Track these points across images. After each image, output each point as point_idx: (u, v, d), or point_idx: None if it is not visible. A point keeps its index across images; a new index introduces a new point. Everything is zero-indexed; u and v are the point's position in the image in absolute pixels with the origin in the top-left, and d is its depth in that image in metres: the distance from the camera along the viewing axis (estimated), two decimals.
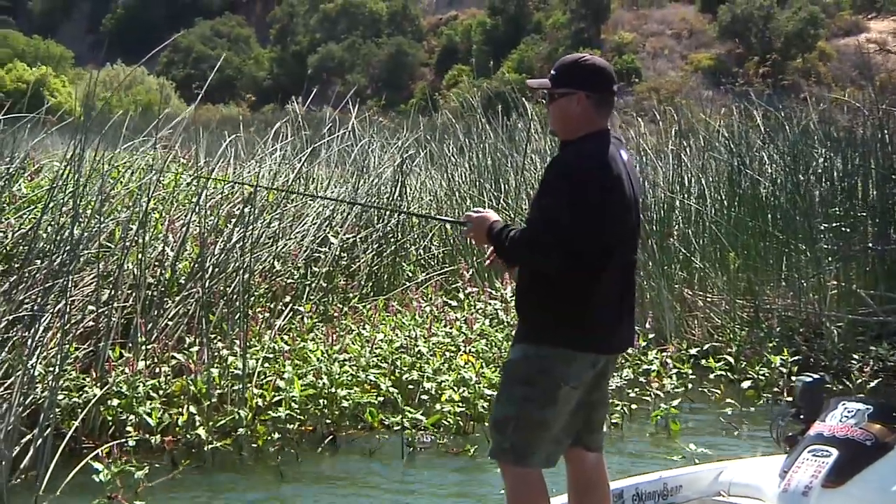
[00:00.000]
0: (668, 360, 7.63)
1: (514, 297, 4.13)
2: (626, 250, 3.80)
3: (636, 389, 7.40)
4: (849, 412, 4.41)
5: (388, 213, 9.45)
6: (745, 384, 7.49)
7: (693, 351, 8.14)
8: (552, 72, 3.88)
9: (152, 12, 72.80)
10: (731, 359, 7.97)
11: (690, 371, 7.75)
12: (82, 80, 56.90)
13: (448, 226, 9.74)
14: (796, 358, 7.85)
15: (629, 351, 7.67)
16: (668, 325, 8.76)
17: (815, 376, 4.91)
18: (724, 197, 10.29)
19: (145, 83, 53.50)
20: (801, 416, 4.67)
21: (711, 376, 7.78)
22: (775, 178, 10.13)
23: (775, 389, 7.61)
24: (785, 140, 10.38)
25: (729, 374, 7.79)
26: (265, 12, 73.90)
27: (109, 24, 73.77)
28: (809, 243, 9.26)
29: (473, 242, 4.98)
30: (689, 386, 7.62)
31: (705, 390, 7.81)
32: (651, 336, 8.01)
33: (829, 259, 9.15)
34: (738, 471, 4.82)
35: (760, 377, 7.68)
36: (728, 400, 7.24)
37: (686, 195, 10.31)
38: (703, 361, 8.02)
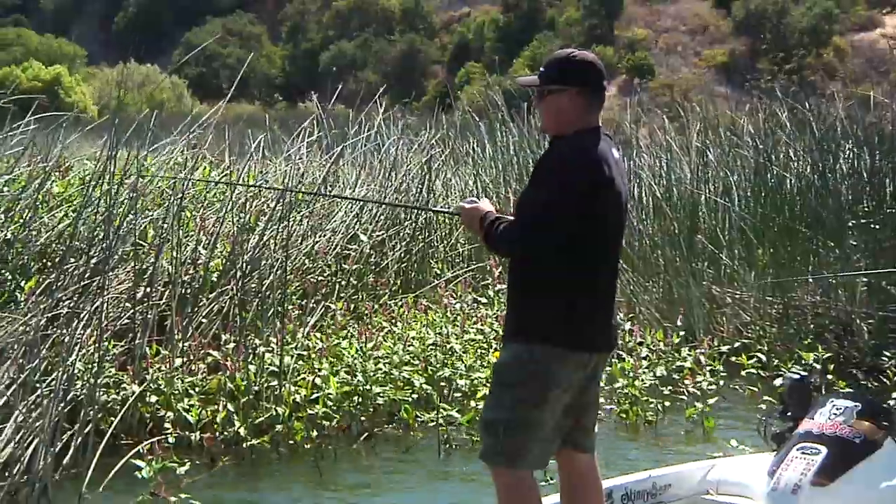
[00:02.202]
0: (702, 358, 7.62)
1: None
2: (615, 250, 3.79)
3: (669, 387, 7.40)
4: (837, 410, 4.42)
5: (411, 210, 9.46)
6: (778, 381, 7.45)
7: (724, 348, 8.13)
8: (541, 68, 3.84)
9: (164, 11, 72.94)
10: (762, 356, 7.94)
11: (722, 368, 7.74)
12: (95, 79, 57.18)
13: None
14: (828, 356, 7.83)
15: (662, 348, 7.70)
16: (697, 321, 8.74)
17: (803, 373, 4.92)
18: (749, 193, 10.27)
19: (157, 81, 53.63)
20: (789, 414, 4.67)
21: (743, 373, 7.76)
22: (802, 175, 10.11)
23: None
24: (812, 136, 10.35)
25: (761, 371, 7.77)
26: (277, 10, 73.99)
27: (121, 22, 73.93)
28: (838, 240, 9.24)
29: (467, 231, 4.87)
30: (721, 383, 7.60)
31: (738, 387, 7.80)
32: (682, 333, 8.02)
33: (858, 256, 9.11)
34: (727, 469, 4.81)
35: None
36: (765, 397, 7.21)
37: (712, 192, 10.29)
38: (734, 358, 8.01)
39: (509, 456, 3.67)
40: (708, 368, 7.59)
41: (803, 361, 7.64)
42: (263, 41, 70.75)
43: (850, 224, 9.34)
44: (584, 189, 3.55)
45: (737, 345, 8.44)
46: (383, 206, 9.19)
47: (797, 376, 4.84)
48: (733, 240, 9.82)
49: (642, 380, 7.19)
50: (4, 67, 47.11)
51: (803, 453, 4.31)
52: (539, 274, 3.63)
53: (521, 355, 3.67)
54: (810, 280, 9.25)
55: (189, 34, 64.80)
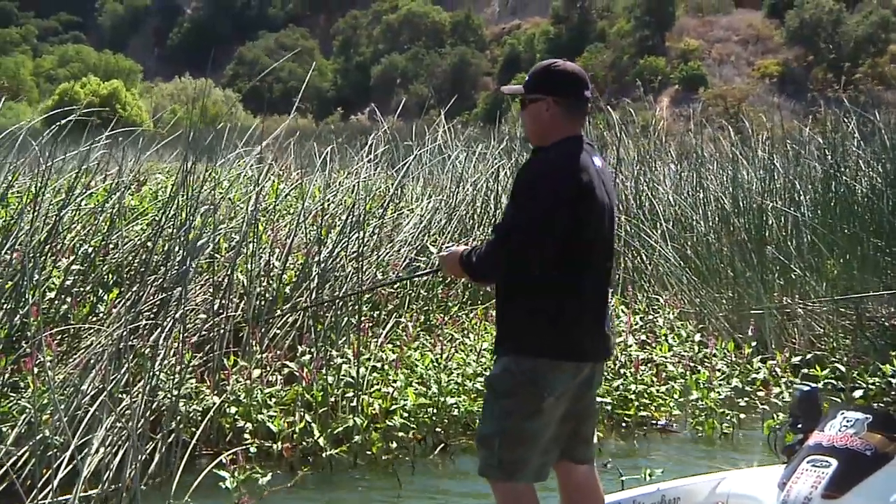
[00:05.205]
0: (777, 370, 7.54)
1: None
2: (602, 257, 3.78)
3: (745, 398, 7.33)
4: (848, 422, 4.35)
5: (480, 220, 9.50)
6: (857, 393, 7.37)
7: (796, 360, 8.05)
8: (526, 77, 3.90)
9: (218, 26, 74.00)
10: (841, 367, 7.84)
11: (798, 380, 7.65)
12: (151, 94, 58.10)
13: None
14: None
15: (735, 360, 7.63)
16: (768, 333, 8.66)
17: (813, 385, 4.86)
18: (818, 204, 10.16)
19: (212, 95, 54.38)
20: (799, 426, 4.60)
21: (820, 385, 7.66)
22: (873, 184, 9.98)
23: (886, 399, 7.49)
24: (882, 145, 10.22)
25: (839, 382, 7.67)
26: (328, 24, 74.72)
27: (176, 38, 75.07)
28: None
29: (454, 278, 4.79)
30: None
31: None
32: (754, 344, 7.95)
33: None
34: (737, 481, 4.76)
35: (870, 386, 7.56)
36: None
37: (779, 202, 10.20)
38: (806, 370, 7.91)
39: (507, 469, 3.67)
40: (783, 380, 7.51)
41: (881, 373, 7.55)
42: (316, 55, 71.44)
43: None
44: (562, 197, 3.58)
45: (809, 356, 8.34)
46: (450, 220, 9.22)
47: (807, 387, 4.78)
48: (802, 250, 9.72)
49: (717, 392, 7.13)
50: (64, 83, 48.06)
51: (814, 466, 4.25)
52: (523, 281, 3.64)
53: (510, 367, 3.68)
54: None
55: (242, 49, 65.59)
